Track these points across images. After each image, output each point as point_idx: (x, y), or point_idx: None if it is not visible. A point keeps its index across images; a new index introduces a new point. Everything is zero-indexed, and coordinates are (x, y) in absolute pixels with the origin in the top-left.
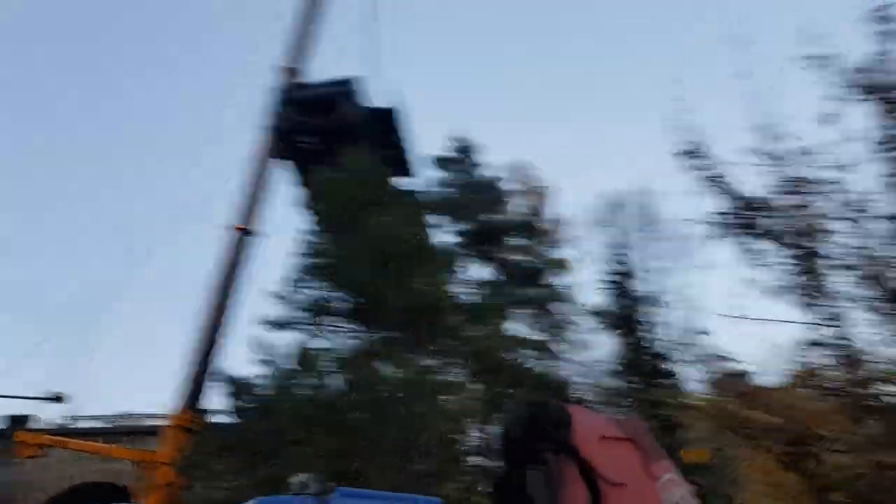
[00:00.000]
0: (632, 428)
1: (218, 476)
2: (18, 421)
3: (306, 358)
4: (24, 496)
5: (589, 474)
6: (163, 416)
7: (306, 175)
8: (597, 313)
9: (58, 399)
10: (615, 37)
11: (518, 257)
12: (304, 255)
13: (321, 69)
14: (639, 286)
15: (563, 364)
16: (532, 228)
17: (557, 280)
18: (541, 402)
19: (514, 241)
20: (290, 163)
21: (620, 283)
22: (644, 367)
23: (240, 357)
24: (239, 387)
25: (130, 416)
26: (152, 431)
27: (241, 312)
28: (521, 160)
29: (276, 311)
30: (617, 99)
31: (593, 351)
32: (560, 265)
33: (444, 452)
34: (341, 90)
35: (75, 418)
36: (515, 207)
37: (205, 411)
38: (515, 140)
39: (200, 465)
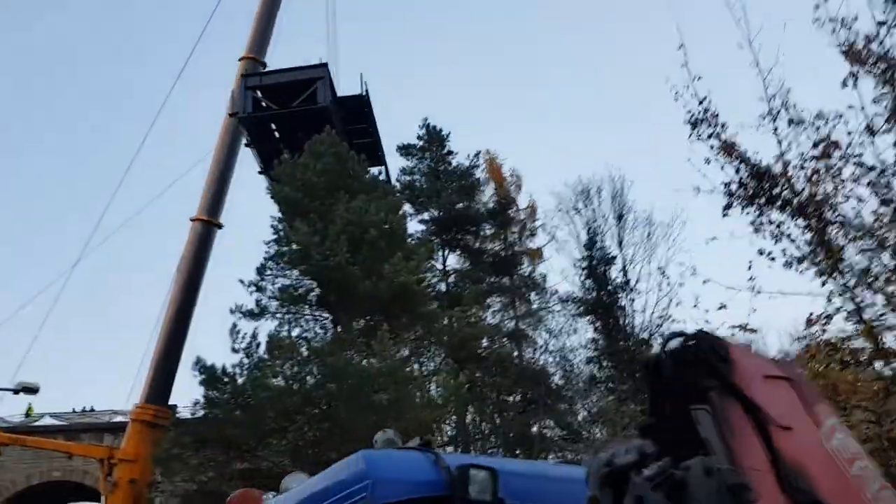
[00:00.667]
0: (790, 368)
1: (194, 469)
2: None
3: (280, 347)
4: None
5: (757, 417)
6: (124, 412)
7: (275, 161)
8: (573, 300)
9: (30, 390)
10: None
11: (489, 245)
12: (274, 242)
13: (282, 57)
14: (615, 272)
15: (541, 351)
16: (502, 216)
17: (530, 268)
18: (698, 334)
19: (484, 229)
20: (258, 149)
21: (596, 268)
22: (625, 353)
23: (213, 346)
24: (213, 376)
25: (90, 412)
26: (113, 428)
27: (212, 302)
28: (488, 147)
29: (249, 299)
30: (588, 83)
31: (570, 338)
32: (532, 253)
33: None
34: (312, 76)
35: (31, 416)
36: (485, 195)
37: (169, 406)
38: (483, 126)
39: (175, 458)
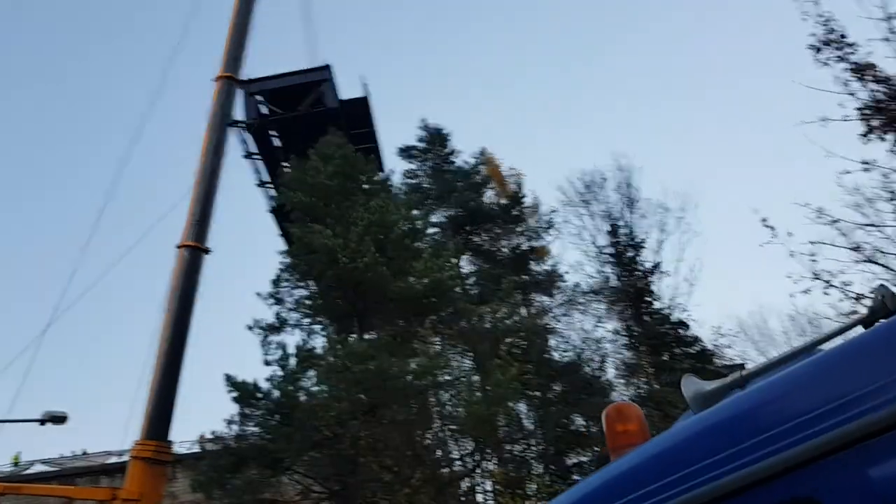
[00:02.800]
0: None
1: (237, 492)
2: None
3: (311, 357)
4: None
5: None
6: (118, 453)
7: (278, 170)
8: (603, 290)
9: (58, 419)
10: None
11: (502, 243)
12: (290, 252)
13: (261, 63)
14: (639, 256)
15: (571, 344)
16: (514, 213)
17: (546, 264)
18: None
19: (497, 227)
20: (260, 158)
21: (623, 255)
22: (661, 337)
23: (242, 362)
24: (246, 392)
25: (82, 456)
26: (108, 470)
27: (231, 320)
28: (491, 146)
29: (270, 313)
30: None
31: (601, 326)
32: (539, 251)
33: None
34: (316, 78)
35: (18, 464)
36: (493, 194)
37: (169, 441)
38: (476, 127)
39: (215, 482)
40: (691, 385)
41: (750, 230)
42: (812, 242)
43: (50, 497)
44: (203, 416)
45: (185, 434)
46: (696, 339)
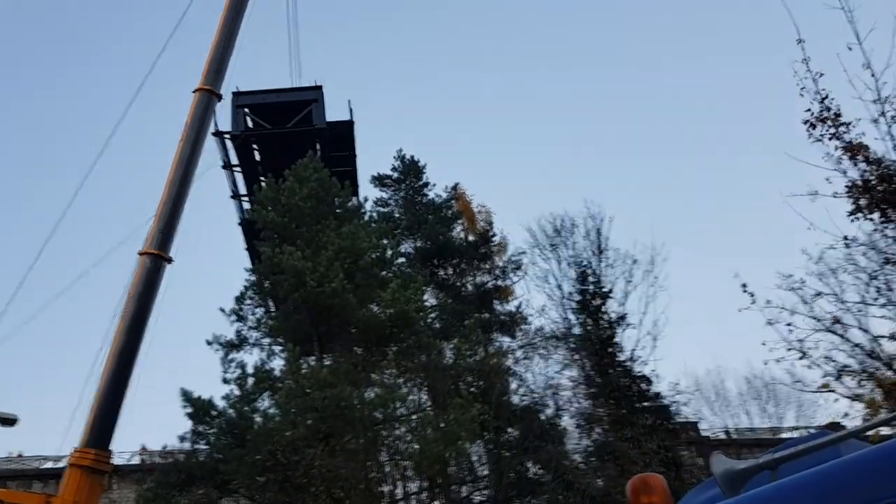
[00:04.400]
0: None
1: None
2: None
3: (267, 378)
4: None
5: None
6: (54, 458)
7: (255, 184)
8: (565, 336)
9: (7, 422)
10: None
11: (467, 279)
12: (256, 270)
13: (241, 77)
14: (605, 306)
15: (529, 388)
16: (482, 250)
17: (510, 304)
18: None
19: (464, 263)
20: (239, 171)
21: (587, 303)
22: (623, 389)
23: (197, 377)
24: (200, 409)
25: (17, 458)
26: (42, 475)
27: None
28: (456, 181)
29: (230, 329)
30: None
31: (562, 373)
32: (503, 291)
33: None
34: (306, 98)
35: None
36: (462, 229)
37: (110, 450)
38: (449, 159)
39: (161, 498)
40: (721, 463)
41: (716, 290)
42: (785, 310)
43: None
44: (147, 426)
45: (125, 444)
46: (658, 395)
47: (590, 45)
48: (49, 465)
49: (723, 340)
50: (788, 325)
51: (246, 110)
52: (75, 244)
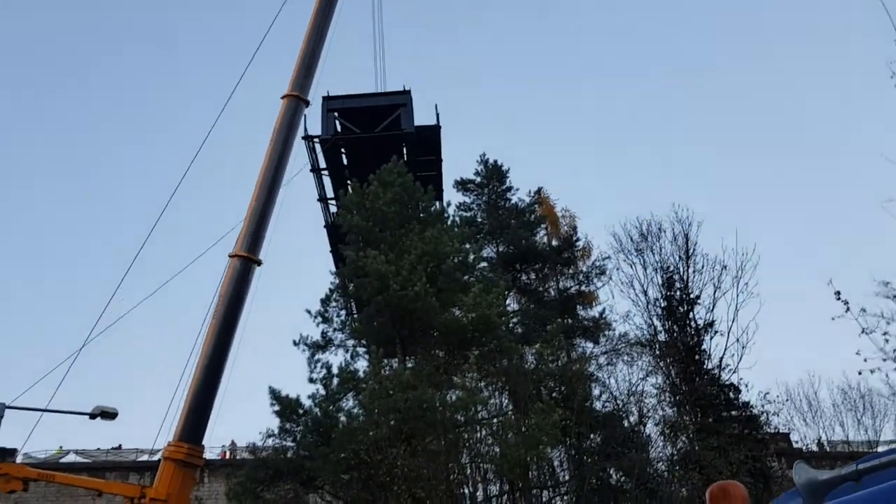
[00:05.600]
0: None
1: None
2: (5, 454)
3: (352, 379)
4: None
5: None
6: (150, 451)
7: (342, 187)
8: (650, 343)
9: (108, 415)
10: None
11: (550, 285)
12: (340, 273)
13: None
14: (693, 312)
15: (612, 395)
16: (565, 255)
17: (595, 309)
18: None
19: (547, 267)
20: (327, 174)
21: (673, 309)
22: (710, 398)
23: (284, 376)
24: (288, 407)
25: (116, 450)
26: (138, 467)
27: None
28: (540, 184)
29: (316, 331)
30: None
31: (646, 380)
32: (587, 297)
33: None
34: (395, 102)
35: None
36: (545, 234)
37: (202, 445)
38: (542, 163)
39: (249, 492)
40: (804, 472)
41: (810, 298)
42: (882, 318)
43: (80, 488)
44: (236, 423)
45: (216, 440)
46: (746, 404)
47: (676, 47)
48: (145, 457)
49: (816, 349)
50: (885, 334)
51: (335, 114)
52: (173, 245)
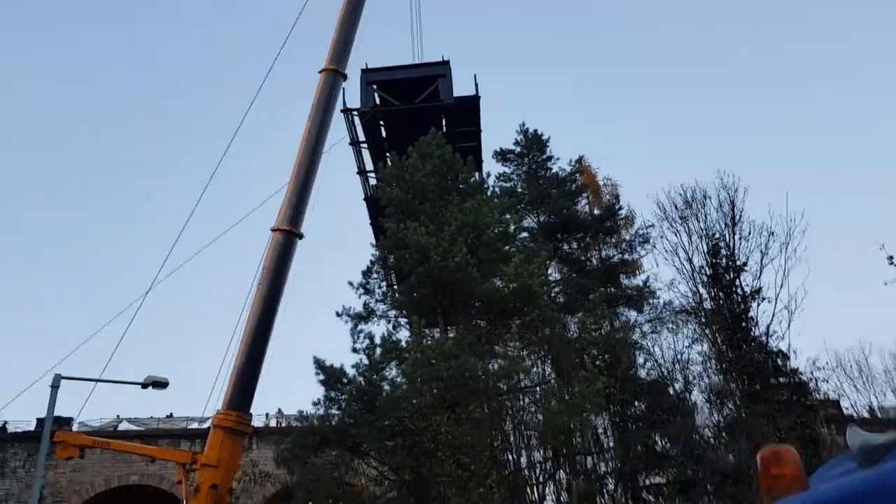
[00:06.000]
0: None
1: (318, 470)
2: (62, 423)
3: (393, 350)
4: (62, 497)
5: None
6: (200, 419)
7: (381, 161)
8: (694, 310)
9: (160, 385)
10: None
11: (592, 254)
12: (381, 245)
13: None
14: (739, 279)
15: (656, 363)
16: (608, 224)
17: (638, 277)
18: None
19: (589, 237)
20: (366, 147)
21: (719, 277)
22: (757, 365)
23: (326, 345)
24: (332, 376)
25: (168, 418)
26: (189, 435)
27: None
28: (581, 153)
29: (358, 302)
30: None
31: (691, 348)
32: (631, 265)
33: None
34: (433, 73)
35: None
36: (587, 203)
37: (250, 413)
38: (583, 132)
39: (297, 458)
40: (857, 436)
41: (862, 263)
42: None
43: (134, 454)
44: (282, 392)
45: (263, 407)
46: (795, 371)
47: (719, 11)
48: (195, 425)
49: (867, 315)
50: None
51: (374, 87)
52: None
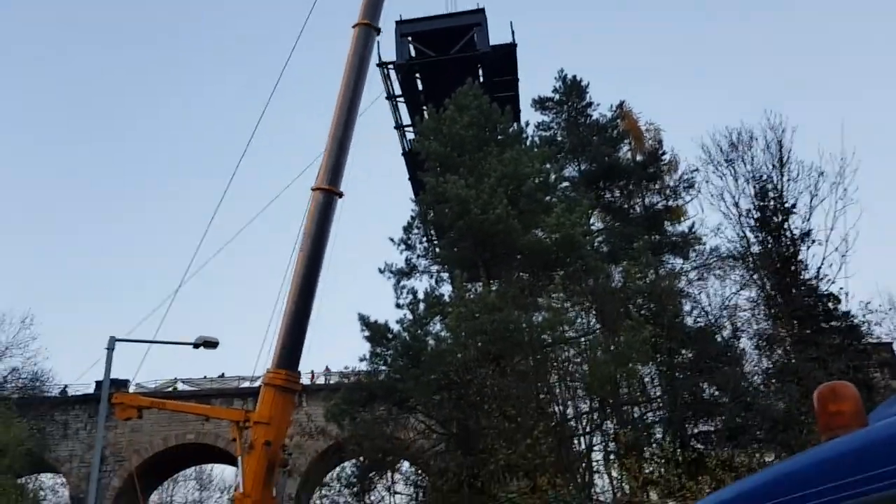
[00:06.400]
0: None
1: (366, 425)
2: (119, 385)
3: (436, 305)
4: (122, 456)
5: None
6: (251, 378)
7: (418, 114)
8: (740, 255)
9: (210, 344)
10: None
11: (635, 201)
12: (420, 200)
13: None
14: (788, 222)
15: (703, 310)
16: (651, 170)
17: (683, 224)
18: None
19: (632, 184)
20: (403, 101)
21: (767, 220)
22: (808, 309)
23: (373, 303)
24: (378, 332)
25: (220, 378)
26: (241, 394)
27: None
28: (623, 98)
29: (400, 258)
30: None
31: (739, 294)
32: (675, 212)
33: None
34: (468, 22)
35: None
36: (629, 149)
37: (298, 371)
38: (623, 76)
39: (346, 413)
40: None
41: None
42: None
43: (189, 414)
44: (329, 349)
45: (311, 365)
46: (847, 315)
47: None
48: (247, 384)
49: None
50: None
51: (409, 39)
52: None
